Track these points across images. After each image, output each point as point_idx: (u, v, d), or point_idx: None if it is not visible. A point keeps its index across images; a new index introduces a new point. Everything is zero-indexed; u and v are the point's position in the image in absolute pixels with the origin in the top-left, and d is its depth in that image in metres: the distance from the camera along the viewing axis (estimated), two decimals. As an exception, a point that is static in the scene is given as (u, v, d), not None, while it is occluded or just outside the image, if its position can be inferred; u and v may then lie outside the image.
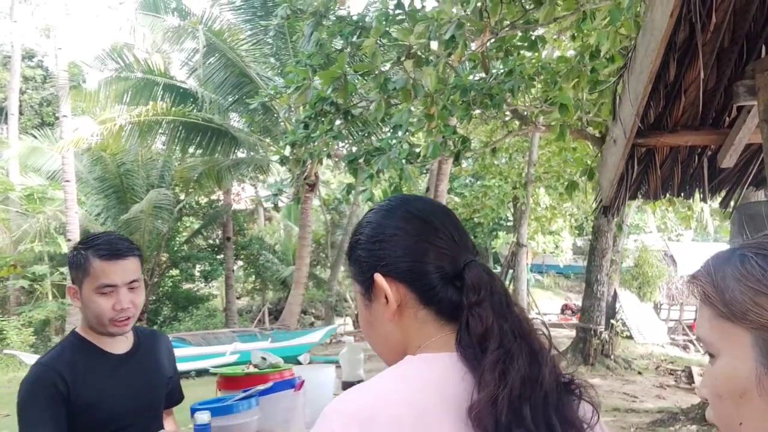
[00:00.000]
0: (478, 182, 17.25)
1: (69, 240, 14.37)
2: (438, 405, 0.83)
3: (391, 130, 8.46)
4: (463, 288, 0.92)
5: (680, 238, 23.10)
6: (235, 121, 16.49)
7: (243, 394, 1.78)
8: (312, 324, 17.52)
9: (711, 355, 0.71)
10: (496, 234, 29.73)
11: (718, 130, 2.84)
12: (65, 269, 14.57)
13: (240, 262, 20.24)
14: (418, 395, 0.84)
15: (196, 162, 16.30)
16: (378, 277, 0.96)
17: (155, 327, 17.16)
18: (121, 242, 1.81)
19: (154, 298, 18.64)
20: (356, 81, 8.78)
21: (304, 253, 14.90)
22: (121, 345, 1.84)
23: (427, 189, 15.97)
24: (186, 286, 19.70)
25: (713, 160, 3.02)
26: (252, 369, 2.12)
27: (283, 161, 10.20)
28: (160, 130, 14.74)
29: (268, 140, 15.65)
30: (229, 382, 2.08)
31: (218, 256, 19.26)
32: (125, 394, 1.76)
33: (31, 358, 10.42)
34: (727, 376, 0.68)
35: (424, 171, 16.53)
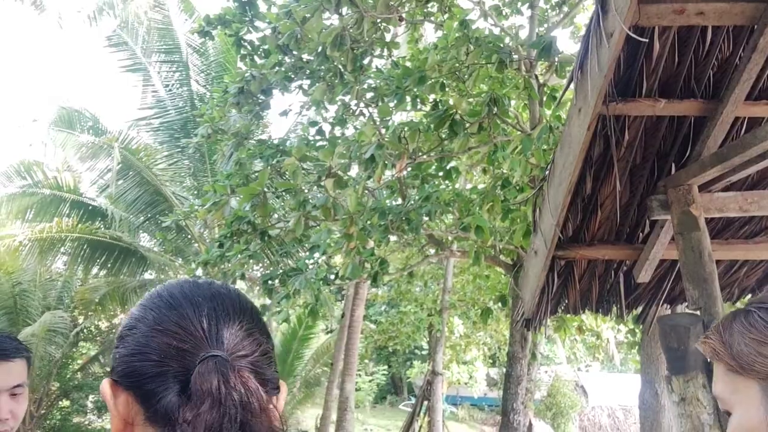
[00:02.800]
0: (394, 309, 17.20)
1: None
2: None
3: (309, 251, 8.39)
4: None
5: (589, 369, 23.58)
6: (146, 241, 15.96)
7: None
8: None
9: (728, 413, 0.71)
10: (411, 363, 29.35)
11: (633, 245, 2.92)
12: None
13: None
14: None
15: (99, 282, 15.47)
16: (104, 386, 0.75)
17: (35, 467, 15.36)
18: (7, 341, 1.57)
19: (38, 432, 16.84)
20: (275, 202, 8.78)
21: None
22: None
23: (343, 314, 15.73)
24: (76, 419, 17.95)
25: (629, 276, 3.08)
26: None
27: (193, 281, 9.78)
28: (62, 248, 14.02)
29: (179, 261, 15.15)
30: None
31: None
32: None
33: None
34: (741, 427, 0.69)
35: (340, 297, 16.36)
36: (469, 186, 11.45)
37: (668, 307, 3.37)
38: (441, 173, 8.25)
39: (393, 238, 8.55)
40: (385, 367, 29.48)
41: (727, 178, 2.53)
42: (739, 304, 3.71)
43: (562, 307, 3.02)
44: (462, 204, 7.50)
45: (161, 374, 0.70)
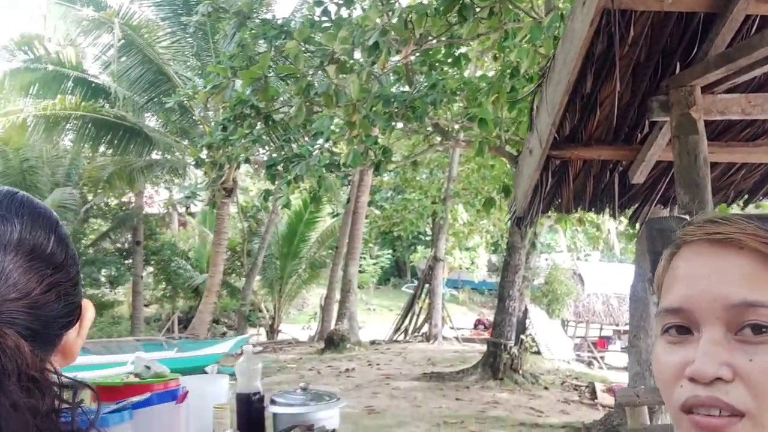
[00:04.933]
0: (399, 196, 17.33)
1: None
2: None
3: (312, 137, 8.33)
4: None
5: (588, 258, 24.08)
6: (151, 121, 15.87)
7: (114, 407, 1.58)
8: (224, 334, 17.00)
9: None
10: (414, 248, 30.01)
11: (630, 146, 2.87)
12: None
13: (150, 268, 19.42)
14: None
15: (106, 161, 15.56)
16: None
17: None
18: None
19: (54, 303, 17.60)
20: (278, 85, 8.60)
21: (218, 260, 14.45)
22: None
23: (348, 200, 15.89)
24: (90, 291, 18.71)
25: (624, 176, 3.05)
26: (132, 378, 1.92)
27: (198, 163, 9.85)
28: (67, 126, 13.97)
29: (185, 142, 15.14)
30: (107, 392, 1.86)
31: (127, 261, 18.41)
32: None
33: None
34: None
35: (346, 183, 16.45)
36: (479, 73, 11.15)
37: (662, 208, 3.37)
38: (450, 60, 8.01)
39: (399, 125, 8.44)
40: (390, 251, 30.13)
41: (732, 80, 2.44)
42: (735, 208, 3.71)
43: (555, 206, 3.02)
44: (470, 93, 7.33)
45: None
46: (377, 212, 18.56)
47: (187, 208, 12.94)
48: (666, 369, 0.62)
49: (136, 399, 1.61)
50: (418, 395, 8.66)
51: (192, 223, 22.77)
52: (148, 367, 2.00)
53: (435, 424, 6.96)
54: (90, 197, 17.12)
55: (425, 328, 16.12)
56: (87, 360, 10.15)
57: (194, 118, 14.50)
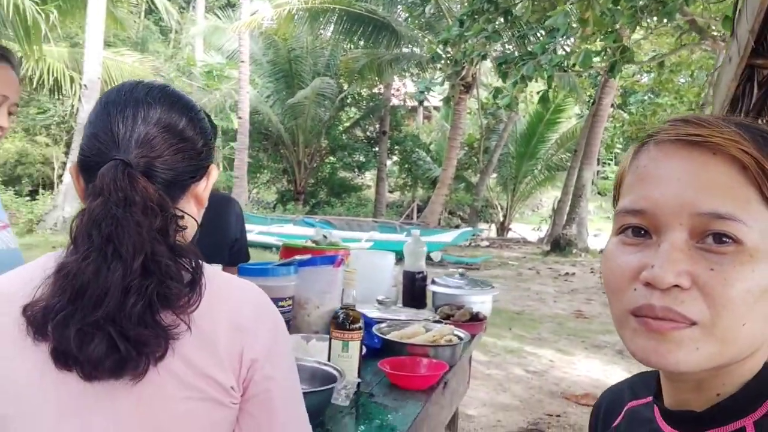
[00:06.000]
0: (654, 99, 15.95)
1: (240, 118, 15.55)
2: (21, 297, 0.81)
3: (548, 34, 8.02)
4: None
5: None
6: (400, 15, 16.40)
7: (282, 262, 1.96)
8: (457, 226, 17.76)
9: (735, 241, 0.56)
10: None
11: None
12: (235, 143, 15.89)
13: (394, 157, 20.73)
14: (22, 285, 0.83)
15: (359, 54, 16.60)
16: (69, 167, 0.93)
17: (311, 208, 18.40)
18: None
19: (312, 181, 19.86)
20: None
21: (452, 155, 14.93)
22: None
23: (593, 101, 15.11)
24: (342, 174, 20.65)
25: None
26: (310, 243, 2.30)
27: (434, 58, 10.11)
28: (327, 19, 15.07)
29: (429, 37, 15.47)
30: (288, 251, 2.27)
31: (373, 149, 19.84)
32: None
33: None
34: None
35: (593, 84, 15.58)
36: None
37: None
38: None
39: (644, 21, 7.72)
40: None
41: None
42: None
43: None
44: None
45: (90, 168, 0.87)
46: (625, 116, 17.36)
47: (420, 103, 13.40)
48: (619, 270, 0.61)
49: (299, 258, 1.97)
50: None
51: (436, 117, 23.53)
52: (325, 237, 2.38)
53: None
54: (345, 87, 18.50)
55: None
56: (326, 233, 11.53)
57: (440, 11, 14.68)
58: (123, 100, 0.90)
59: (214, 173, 1.00)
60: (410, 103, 21.48)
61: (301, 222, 13.03)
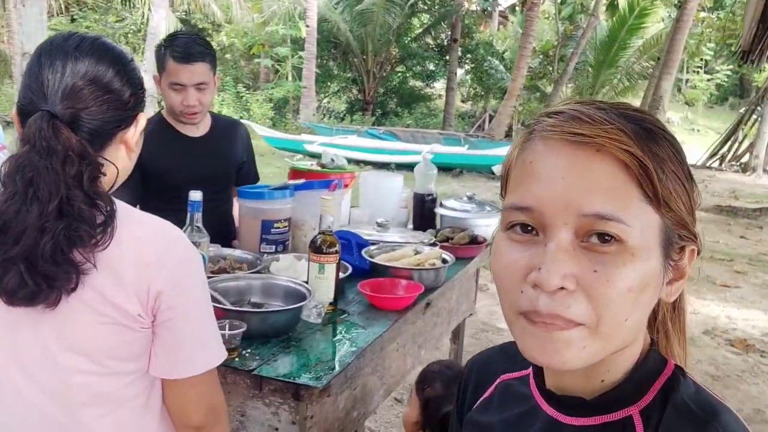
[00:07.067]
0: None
1: (308, 26, 15.45)
2: None
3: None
4: None
5: None
6: None
7: (279, 185, 2.06)
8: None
9: (617, 240, 0.58)
10: (763, 67, 25.42)
11: None
12: (303, 53, 15.87)
13: (466, 66, 20.16)
14: None
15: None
16: (12, 111, 1.01)
17: (378, 119, 18.36)
18: (195, 47, 2.03)
19: (382, 90, 19.68)
20: None
21: (522, 64, 14.39)
22: (196, 129, 2.19)
23: (679, 4, 14.04)
24: (411, 83, 20.34)
25: None
26: (316, 167, 2.40)
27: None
28: None
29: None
30: (295, 174, 2.38)
31: (444, 57, 19.34)
32: (193, 167, 2.13)
33: (263, 131, 11.98)
34: (652, 270, 0.60)
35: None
36: None
37: None
38: None
39: None
40: (729, 67, 26.06)
41: None
42: None
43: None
44: None
45: (25, 116, 0.95)
46: (715, 20, 16.09)
47: (486, 9, 12.85)
48: (508, 270, 0.62)
49: (294, 182, 2.07)
50: (698, 227, 8.11)
51: (513, 22, 22.52)
52: (332, 160, 2.46)
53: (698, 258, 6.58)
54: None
55: (745, 158, 14.38)
56: (388, 145, 11.54)
57: None
58: (53, 52, 0.97)
59: (142, 121, 1.08)
60: (484, 7, 20.58)
61: (365, 133, 13.06)
